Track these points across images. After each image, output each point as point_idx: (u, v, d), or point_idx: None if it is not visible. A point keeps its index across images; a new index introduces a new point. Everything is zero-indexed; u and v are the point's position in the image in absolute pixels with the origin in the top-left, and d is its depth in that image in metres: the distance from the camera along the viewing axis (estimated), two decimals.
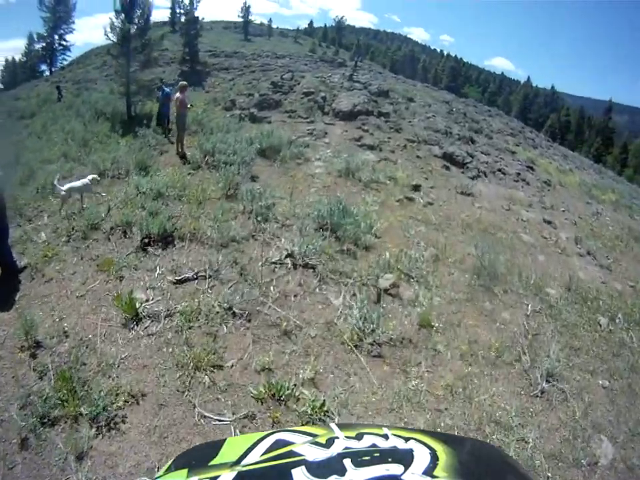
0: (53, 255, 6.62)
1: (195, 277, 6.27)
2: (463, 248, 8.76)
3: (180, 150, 12.52)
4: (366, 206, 10.01)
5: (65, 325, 5.14)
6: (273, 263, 6.80)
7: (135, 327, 5.16)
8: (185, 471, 1.43)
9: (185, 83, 13.22)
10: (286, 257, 6.92)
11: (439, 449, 1.48)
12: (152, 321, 5.28)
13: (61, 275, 6.18)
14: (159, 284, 6.04)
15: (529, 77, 72.11)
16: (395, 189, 11.87)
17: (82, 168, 10.98)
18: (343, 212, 8.36)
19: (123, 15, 17.93)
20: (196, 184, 9.99)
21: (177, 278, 6.17)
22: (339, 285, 6.53)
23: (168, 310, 5.48)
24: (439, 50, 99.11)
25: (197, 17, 35.94)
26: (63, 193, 7.88)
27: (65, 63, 53.24)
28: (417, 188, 12.26)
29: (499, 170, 17.64)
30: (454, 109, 29.30)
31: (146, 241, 7.00)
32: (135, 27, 18.36)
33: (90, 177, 8.57)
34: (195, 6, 36.21)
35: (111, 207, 8.36)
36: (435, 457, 1.41)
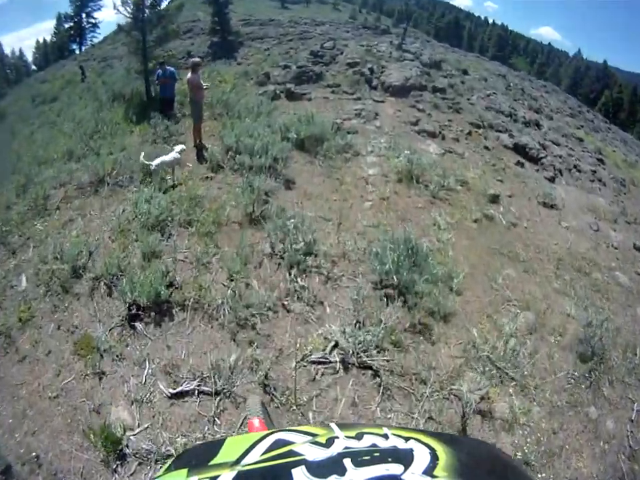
0: (28, 316, 5.13)
1: (197, 390, 3.98)
2: (561, 304, 6.72)
3: (197, 142, 9.84)
4: (438, 233, 7.36)
5: (38, 444, 3.85)
6: (314, 362, 4.37)
7: (119, 467, 3.58)
8: (185, 470, 1.25)
9: (198, 59, 10.37)
10: (332, 348, 4.55)
11: (439, 448, 1.27)
12: (139, 464, 3.59)
13: (36, 351, 4.74)
14: (148, 395, 4.07)
15: (579, 49, 66.50)
16: (469, 199, 9.13)
17: (80, 173, 8.63)
18: (413, 258, 5.88)
19: None
20: (212, 197, 7.51)
21: (171, 391, 3.98)
22: (409, 400, 4.25)
23: (159, 450, 3.61)
24: (483, 17, 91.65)
25: None
26: (154, 168, 7.74)
27: (96, 40, 50.83)
28: (495, 199, 9.44)
29: (575, 167, 14.57)
30: (511, 84, 25.57)
31: (134, 309, 4.84)
32: None
33: (179, 147, 8.39)
34: None
35: (98, 242, 6.30)
36: (434, 457, 1.21)
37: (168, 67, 11.88)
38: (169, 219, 6.58)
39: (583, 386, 5.27)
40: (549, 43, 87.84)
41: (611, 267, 8.52)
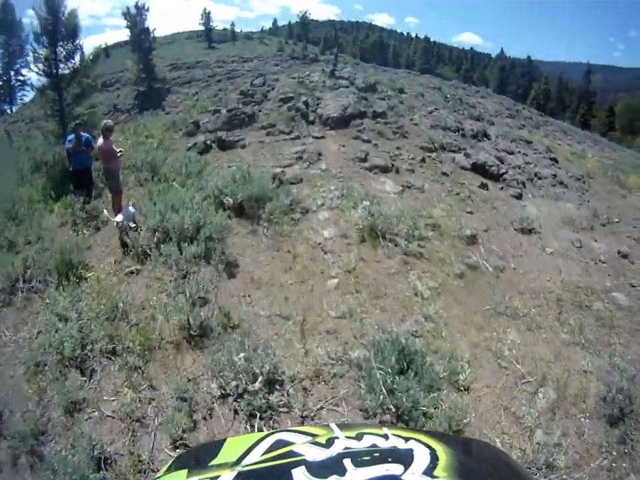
0: None
1: None
2: (575, 360, 5.85)
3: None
4: (423, 306, 5.97)
5: None
6: None
7: None
8: (185, 471, 1.35)
9: (109, 122, 8.31)
10: None
11: (439, 449, 1.39)
12: None
13: None
14: None
15: (502, 49, 67.89)
16: (445, 247, 7.86)
17: None
18: (406, 362, 4.61)
19: (44, 38, 13.20)
20: (139, 303, 5.75)
21: None
22: None
23: None
24: (405, 33, 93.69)
25: (147, 28, 30.34)
26: (120, 223, 7.13)
27: (26, 99, 47.66)
28: (472, 240, 8.11)
29: (535, 175, 13.75)
30: (448, 96, 24.89)
31: None
32: (63, 51, 13.48)
33: (131, 205, 7.72)
34: (144, 16, 30.49)
35: (14, 383, 4.73)
36: (435, 457, 1.33)
37: (83, 133, 9.58)
38: (89, 346, 4.80)
39: (618, 454, 4.57)
40: (472, 48, 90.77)
41: (607, 288, 7.82)
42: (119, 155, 8.05)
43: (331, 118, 15.25)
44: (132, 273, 6.48)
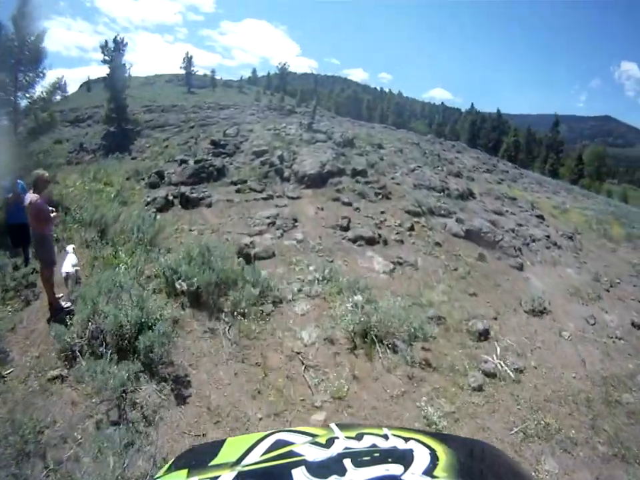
0: None
1: None
2: (619, 476, 4.54)
3: (51, 300, 5.94)
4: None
5: None
6: None
7: None
8: (185, 471, 1.34)
9: (41, 172, 6.20)
10: None
11: (439, 449, 1.39)
12: None
13: None
14: None
15: (472, 104, 69.47)
16: (455, 349, 6.26)
17: None
18: None
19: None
20: (58, 436, 3.99)
21: None
22: None
23: None
24: (379, 88, 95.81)
25: (124, 65, 28.87)
26: (69, 273, 6.09)
27: None
28: (484, 335, 6.37)
29: (530, 237, 12.64)
30: (427, 152, 24.14)
31: None
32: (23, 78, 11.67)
33: (70, 248, 6.61)
34: (121, 51, 28.92)
35: None
36: (434, 457, 1.33)
37: (19, 180, 7.57)
38: None
39: None
40: (442, 103, 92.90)
41: (631, 371, 6.89)
42: (53, 214, 6.13)
43: (308, 175, 13.86)
44: (56, 378, 4.57)
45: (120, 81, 28.57)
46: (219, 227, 9.73)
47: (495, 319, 7.32)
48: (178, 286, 6.29)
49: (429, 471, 1.21)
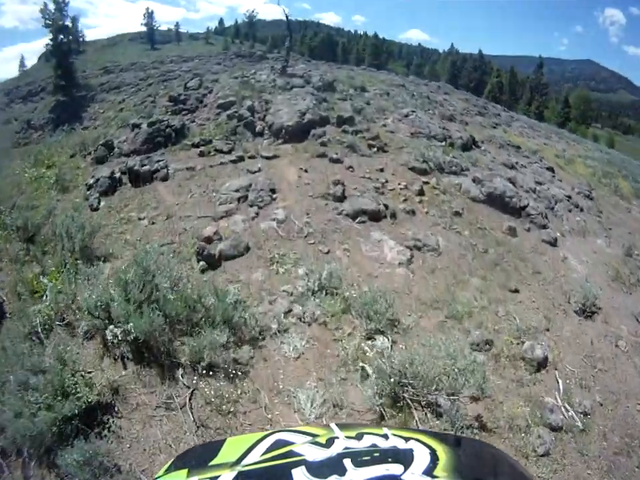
0: None
1: None
2: None
3: None
4: None
5: None
6: None
7: None
8: (185, 471, 1.31)
9: None
10: None
11: (439, 449, 1.35)
12: None
13: None
14: None
15: (452, 44, 65.51)
16: (509, 394, 4.45)
17: None
18: None
19: None
20: None
21: None
22: None
23: None
24: (353, 31, 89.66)
25: (66, 26, 24.74)
26: None
27: None
28: (543, 364, 4.96)
29: (553, 199, 10.50)
30: (415, 94, 21.27)
31: None
32: None
33: None
34: (64, 13, 24.86)
35: None
36: (435, 457, 1.30)
37: None
38: None
39: None
40: (419, 44, 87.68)
41: None
42: None
43: (285, 128, 11.23)
44: None
45: (64, 44, 24.62)
46: (175, 211, 7.25)
47: (548, 330, 5.42)
48: (109, 336, 3.92)
49: (429, 471, 1.16)
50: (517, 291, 6.08)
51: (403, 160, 9.68)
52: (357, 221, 6.84)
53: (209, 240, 5.86)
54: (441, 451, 1.33)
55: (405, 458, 1.25)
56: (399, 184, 8.40)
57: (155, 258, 4.47)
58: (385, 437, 1.39)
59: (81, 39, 49.43)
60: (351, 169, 9.02)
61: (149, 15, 55.58)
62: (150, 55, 41.22)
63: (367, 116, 13.46)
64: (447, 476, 1.18)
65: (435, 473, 1.19)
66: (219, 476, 1.21)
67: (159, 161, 9.69)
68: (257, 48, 46.86)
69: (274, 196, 7.49)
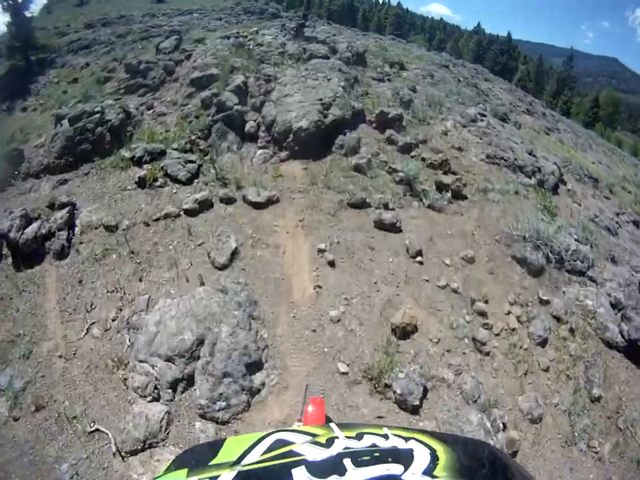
0: None
1: None
2: None
3: None
4: None
5: None
6: None
7: None
8: (185, 471, 1.15)
9: None
10: None
11: (439, 449, 1.20)
12: None
13: None
14: None
15: (479, 23, 58.58)
16: None
17: None
18: None
19: None
20: None
21: None
22: None
23: None
24: None
25: None
26: None
27: None
28: None
29: None
30: (461, 79, 15.98)
31: None
32: None
33: None
34: None
35: None
36: (435, 457, 1.14)
37: None
38: None
39: None
40: (441, 19, 79.40)
41: None
42: None
43: (295, 131, 6.41)
44: None
45: None
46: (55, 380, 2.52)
47: None
48: None
49: (429, 471, 1.04)
50: None
51: (493, 225, 4.79)
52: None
53: None
54: (441, 450, 1.14)
55: (405, 458, 1.07)
56: (509, 312, 3.60)
57: None
58: (385, 436, 1.19)
59: None
60: (418, 258, 4.17)
61: None
62: (153, 9, 34.89)
63: (417, 113, 8.45)
64: (447, 476, 1.01)
65: (435, 473, 1.02)
66: (218, 476, 1.03)
67: (66, 199, 4.79)
68: (272, 6, 40.28)
69: (254, 385, 2.68)
